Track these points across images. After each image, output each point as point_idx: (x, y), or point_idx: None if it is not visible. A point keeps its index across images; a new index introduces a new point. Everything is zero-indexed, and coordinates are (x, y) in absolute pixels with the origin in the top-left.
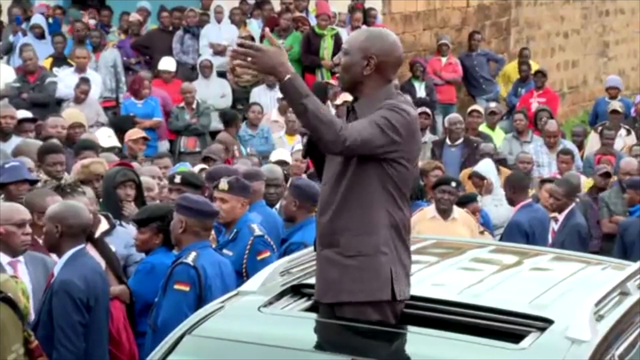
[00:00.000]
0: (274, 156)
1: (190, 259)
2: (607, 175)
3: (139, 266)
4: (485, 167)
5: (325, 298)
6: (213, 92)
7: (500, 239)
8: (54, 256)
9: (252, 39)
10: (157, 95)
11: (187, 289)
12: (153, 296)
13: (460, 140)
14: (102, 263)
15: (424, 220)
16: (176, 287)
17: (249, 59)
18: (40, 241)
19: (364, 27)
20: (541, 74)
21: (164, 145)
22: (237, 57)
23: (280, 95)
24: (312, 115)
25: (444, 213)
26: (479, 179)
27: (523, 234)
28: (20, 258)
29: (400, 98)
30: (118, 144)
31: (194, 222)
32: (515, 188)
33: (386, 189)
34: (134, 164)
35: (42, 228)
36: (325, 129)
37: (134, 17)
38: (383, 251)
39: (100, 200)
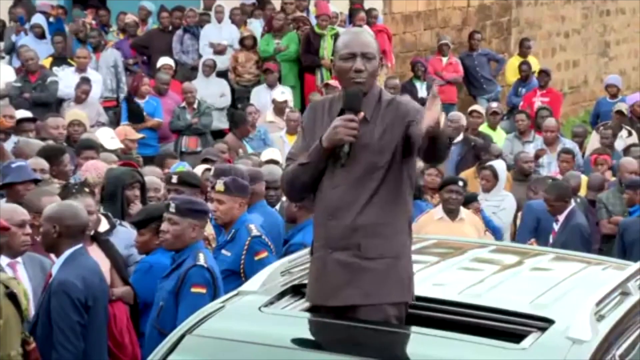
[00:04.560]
0: (265, 155)
1: (202, 261)
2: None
3: (137, 265)
4: (500, 167)
5: (333, 301)
6: (212, 92)
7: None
8: (53, 256)
9: (254, 38)
10: (173, 100)
11: (204, 291)
12: (150, 295)
13: (460, 139)
14: (107, 263)
15: (432, 222)
16: (193, 290)
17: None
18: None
19: (355, 28)
20: (545, 73)
21: (169, 147)
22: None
23: (275, 96)
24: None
25: (451, 213)
26: (491, 174)
27: (534, 218)
28: (19, 259)
29: (386, 92)
30: (122, 145)
31: (203, 224)
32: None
33: (406, 190)
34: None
35: (38, 228)
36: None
37: (130, 17)
38: (405, 253)
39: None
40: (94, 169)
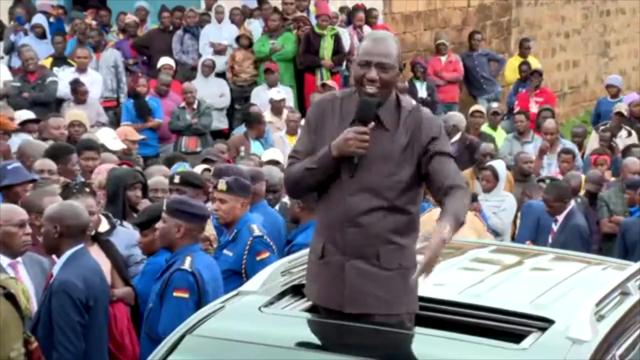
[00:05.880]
0: (266, 156)
1: (187, 265)
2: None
3: (145, 267)
4: (500, 167)
5: (351, 309)
6: (211, 92)
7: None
8: (54, 256)
9: (250, 39)
10: (174, 101)
11: (186, 295)
12: None
13: (457, 138)
14: (108, 264)
15: (431, 221)
16: (176, 294)
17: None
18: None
19: (380, 33)
20: (537, 73)
21: (169, 148)
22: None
23: (272, 95)
24: (465, 214)
25: None
26: (492, 175)
27: (535, 219)
28: (19, 259)
29: (405, 98)
30: (124, 146)
31: (192, 227)
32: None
33: (421, 200)
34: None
35: (40, 228)
36: (468, 200)
37: (130, 17)
38: (416, 263)
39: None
40: (106, 171)
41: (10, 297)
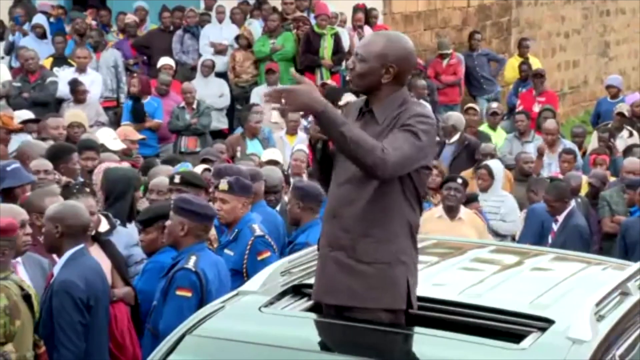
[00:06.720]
0: (266, 156)
1: (191, 264)
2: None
3: (146, 266)
4: (496, 166)
5: (327, 299)
6: (211, 92)
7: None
8: (55, 257)
9: (249, 40)
10: (174, 101)
11: (189, 294)
12: None
13: (456, 138)
14: (108, 264)
15: (432, 220)
16: (178, 293)
17: (283, 101)
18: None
19: (369, 29)
20: (539, 75)
21: (169, 148)
22: (271, 101)
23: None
24: (352, 141)
25: (451, 212)
26: (487, 173)
27: (539, 222)
28: (19, 259)
29: (415, 101)
30: (124, 146)
31: (196, 226)
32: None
33: (407, 195)
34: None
35: (41, 228)
36: (366, 154)
37: (130, 17)
38: (402, 260)
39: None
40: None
41: (27, 299)
